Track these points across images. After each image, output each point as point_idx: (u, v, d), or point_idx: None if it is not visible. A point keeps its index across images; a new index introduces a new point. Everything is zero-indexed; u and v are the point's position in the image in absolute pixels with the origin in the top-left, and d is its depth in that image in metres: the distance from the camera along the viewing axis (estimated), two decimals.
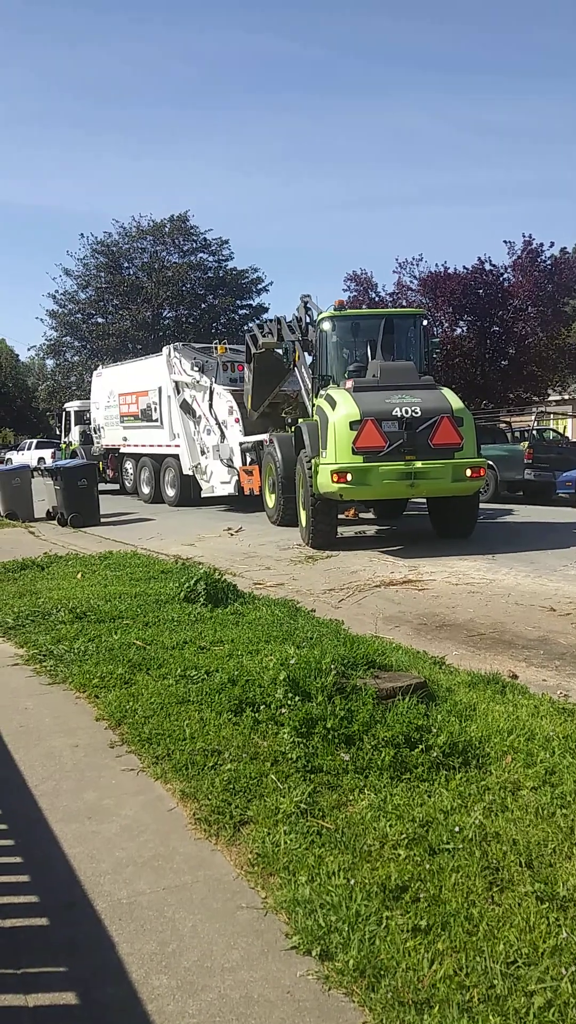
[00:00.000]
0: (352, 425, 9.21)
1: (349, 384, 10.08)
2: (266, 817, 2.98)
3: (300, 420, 11.95)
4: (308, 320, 12.60)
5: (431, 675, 4.39)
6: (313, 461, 9.95)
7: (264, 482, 13.51)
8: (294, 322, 13.04)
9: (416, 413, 9.29)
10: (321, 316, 11.87)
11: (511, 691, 4.27)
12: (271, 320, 14.25)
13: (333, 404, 9.70)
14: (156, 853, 2.88)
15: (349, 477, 9.09)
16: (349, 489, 9.22)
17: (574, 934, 2.23)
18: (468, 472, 9.34)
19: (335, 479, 9.10)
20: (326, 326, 11.66)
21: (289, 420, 13.86)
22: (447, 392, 10.02)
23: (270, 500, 13.16)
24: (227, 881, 2.68)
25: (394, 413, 9.29)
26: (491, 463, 15.99)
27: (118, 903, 2.58)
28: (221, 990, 2.16)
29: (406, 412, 9.29)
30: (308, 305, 13.20)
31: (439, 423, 9.27)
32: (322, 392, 10.78)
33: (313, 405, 11.40)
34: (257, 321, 15.67)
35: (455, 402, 9.65)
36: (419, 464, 9.16)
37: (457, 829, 2.79)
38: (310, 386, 12.06)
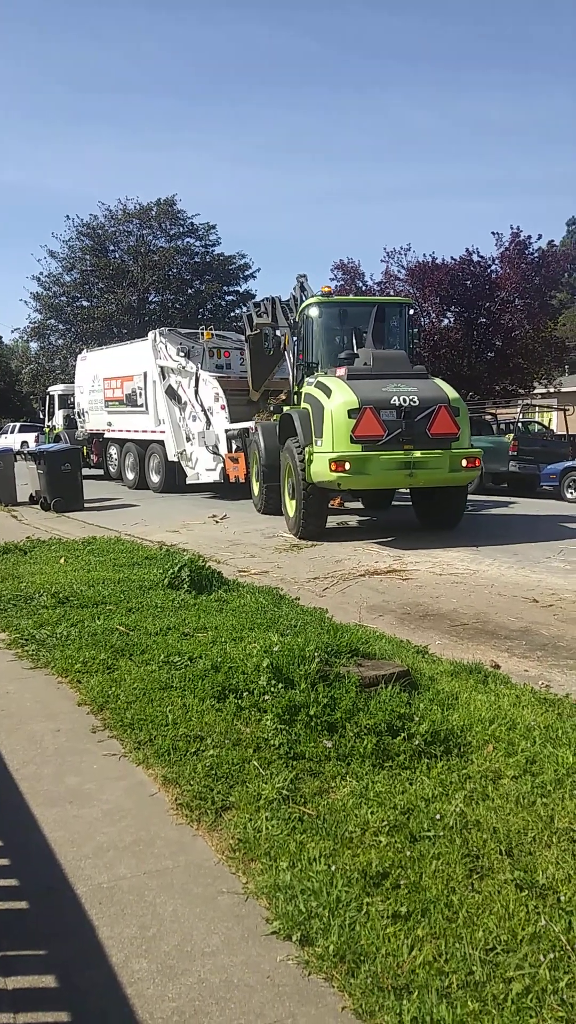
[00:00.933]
0: (351, 413, 9.05)
1: (341, 371, 9.89)
2: (248, 803, 2.99)
3: (286, 408, 11.75)
4: (304, 300, 12.45)
5: (414, 664, 4.41)
6: (306, 450, 9.74)
7: (251, 470, 13.39)
8: (291, 301, 12.86)
9: (414, 402, 9.20)
10: (307, 302, 11.69)
11: (493, 681, 4.30)
12: (265, 299, 14.02)
13: (328, 392, 9.50)
14: (137, 838, 2.88)
15: (347, 466, 8.97)
16: (347, 478, 9.10)
17: (553, 922, 2.25)
18: (464, 462, 9.32)
19: (333, 468, 8.97)
20: (313, 312, 11.44)
21: (272, 408, 13.70)
22: (440, 382, 9.97)
23: (255, 487, 13.04)
24: (208, 866, 2.68)
25: (392, 402, 9.17)
26: None
27: (99, 887, 2.57)
28: (201, 974, 2.16)
29: (404, 401, 9.18)
30: (304, 285, 13.03)
31: (437, 413, 9.20)
32: (310, 379, 10.61)
33: (299, 392, 11.21)
34: (253, 301, 15.38)
35: (451, 392, 9.61)
36: (418, 454, 9.09)
37: (438, 817, 2.81)
38: (295, 372, 11.87)
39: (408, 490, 10.92)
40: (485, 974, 2.06)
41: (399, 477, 9.26)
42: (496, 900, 2.36)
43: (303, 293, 12.78)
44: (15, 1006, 2.04)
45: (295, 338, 12.06)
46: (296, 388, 11.63)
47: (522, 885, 2.43)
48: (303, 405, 10.48)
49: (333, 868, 2.53)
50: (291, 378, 12.42)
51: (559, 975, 2.05)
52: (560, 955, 2.11)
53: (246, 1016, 2.00)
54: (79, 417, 21.90)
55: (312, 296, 12.02)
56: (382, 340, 11.15)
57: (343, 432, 9.07)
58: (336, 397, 9.31)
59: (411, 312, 12.06)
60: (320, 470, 9.31)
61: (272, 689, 3.79)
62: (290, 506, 10.65)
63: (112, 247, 38.58)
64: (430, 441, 9.18)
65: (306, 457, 9.68)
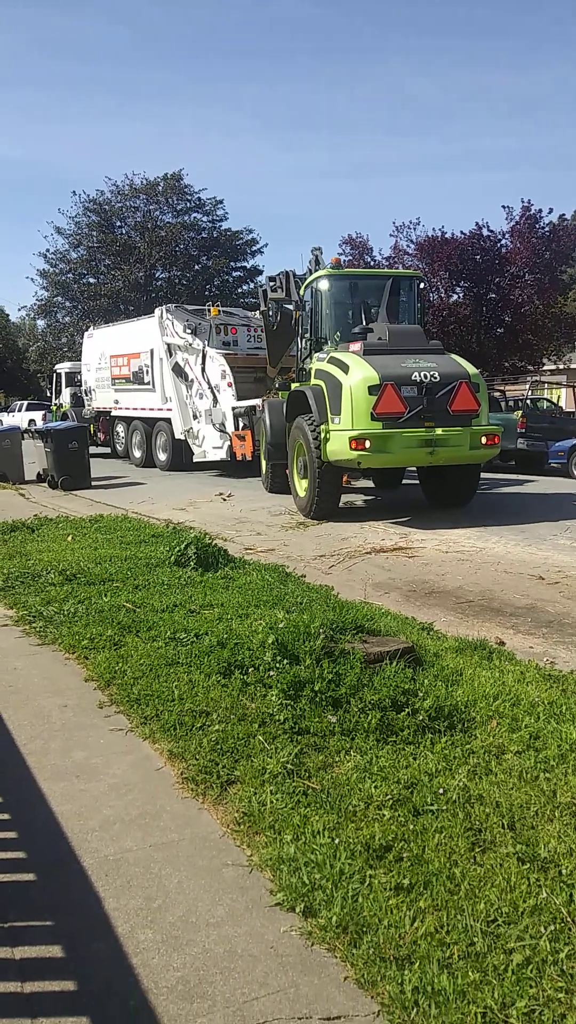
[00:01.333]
0: (371, 389, 8.76)
1: (356, 347, 9.56)
2: (253, 777, 3.01)
3: (295, 385, 11.46)
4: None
5: (419, 640, 4.42)
6: (321, 428, 9.36)
7: (259, 448, 13.07)
8: (306, 275, 12.59)
9: (435, 378, 8.95)
10: (316, 275, 11.27)
11: (498, 657, 4.30)
12: (280, 273, 13.72)
13: (344, 368, 9.19)
14: (143, 811, 2.91)
15: (368, 444, 8.66)
16: (368, 456, 8.80)
17: (553, 894, 2.26)
18: (484, 439, 9.11)
19: (353, 446, 8.68)
20: (323, 285, 10.97)
21: (278, 385, 13.37)
22: (458, 358, 9.77)
23: (264, 467, 12.78)
24: (213, 839, 2.71)
25: (413, 377, 8.89)
26: None
27: (105, 860, 2.60)
28: (205, 945, 2.19)
29: (424, 377, 8.91)
30: (319, 259, 12.74)
31: (458, 389, 8.99)
32: (320, 355, 10.23)
33: (308, 368, 10.82)
34: (268, 275, 14.89)
35: (470, 368, 9.40)
36: (439, 431, 8.87)
37: (441, 791, 2.82)
38: (302, 348, 11.46)
39: (415, 468, 10.84)
40: (486, 945, 2.08)
41: (420, 455, 8.99)
42: (498, 873, 2.38)
43: (318, 267, 12.58)
44: (23, 975, 2.08)
45: (302, 312, 11.67)
46: (303, 364, 11.29)
47: (524, 858, 2.44)
48: (315, 381, 10.05)
49: (337, 841, 2.55)
50: (298, 354, 12.08)
51: (559, 946, 2.06)
52: (560, 927, 2.13)
53: (250, 985, 2.03)
54: (86, 395, 21.87)
55: (323, 269, 11.68)
56: (396, 314, 10.78)
57: (363, 409, 8.80)
58: (355, 373, 9.01)
59: (421, 286, 11.87)
60: (338, 448, 9.02)
61: (277, 665, 3.81)
62: (300, 485, 10.37)
63: (119, 223, 38.31)
64: (451, 418, 8.95)
65: (321, 435, 9.35)
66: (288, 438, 10.93)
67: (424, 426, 8.88)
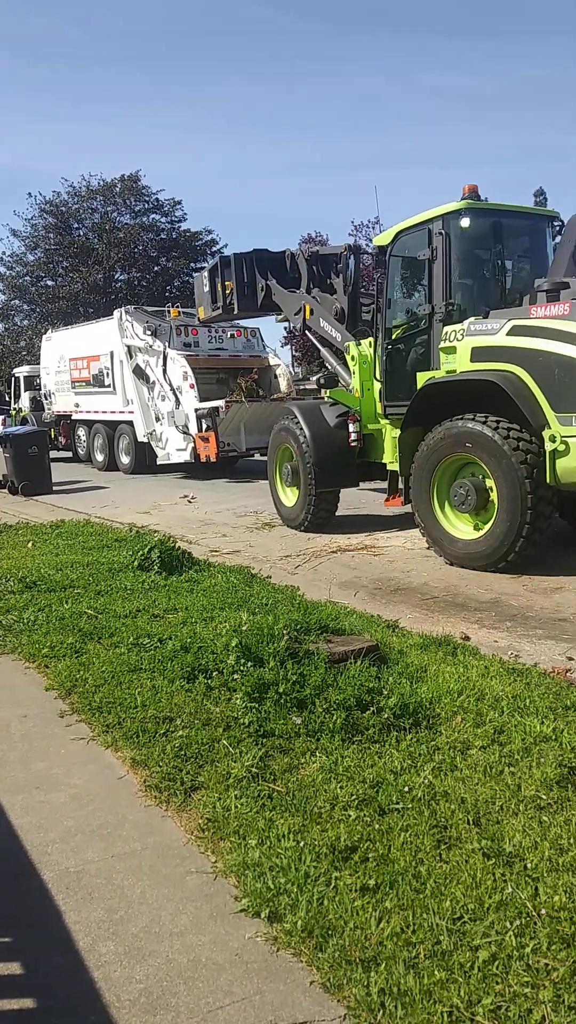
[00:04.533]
0: None
1: (557, 308, 6.35)
2: (217, 782, 2.97)
3: (425, 375, 7.47)
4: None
5: (384, 638, 4.41)
6: (545, 434, 6.15)
7: (275, 471, 9.52)
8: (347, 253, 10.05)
9: None
10: (448, 207, 7.43)
11: (462, 652, 4.32)
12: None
13: (571, 339, 6.06)
14: (105, 821, 2.85)
15: None
16: None
17: (519, 889, 2.26)
18: None
19: None
20: (463, 222, 7.35)
21: (321, 380, 9.52)
22: None
23: (287, 496, 9.30)
24: (177, 847, 2.66)
25: None
26: None
27: (66, 872, 2.55)
28: (168, 955, 2.15)
29: None
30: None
31: None
32: (477, 325, 6.85)
33: (445, 348, 7.19)
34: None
35: None
36: None
37: (407, 789, 2.81)
38: (421, 316, 7.69)
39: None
40: (452, 943, 2.07)
41: None
42: (463, 869, 2.37)
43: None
44: None
45: (382, 271, 8.24)
46: (393, 342, 8.06)
47: (489, 854, 2.44)
48: (495, 366, 6.61)
49: (302, 844, 2.53)
50: (380, 328, 8.25)
51: (525, 941, 2.06)
52: (526, 921, 2.13)
53: (214, 994, 2.00)
54: (46, 399, 21.58)
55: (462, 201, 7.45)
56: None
57: None
58: None
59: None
60: None
61: (241, 668, 3.77)
62: (456, 523, 6.95)
63: (76, 225, 37.84)
64: None
65: (547, 447, 6.15)
66: (417, 454, 7.18)
67: None
